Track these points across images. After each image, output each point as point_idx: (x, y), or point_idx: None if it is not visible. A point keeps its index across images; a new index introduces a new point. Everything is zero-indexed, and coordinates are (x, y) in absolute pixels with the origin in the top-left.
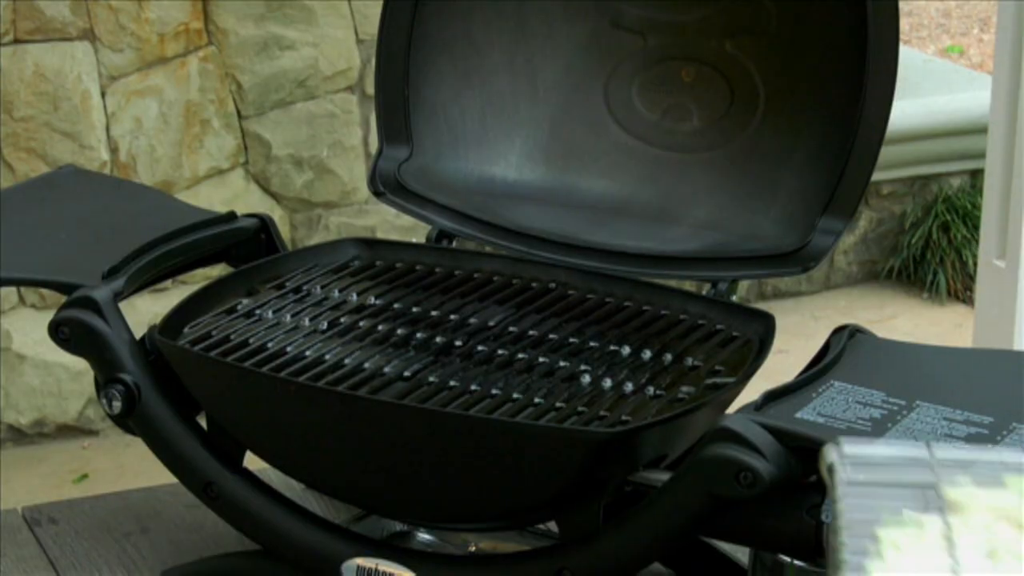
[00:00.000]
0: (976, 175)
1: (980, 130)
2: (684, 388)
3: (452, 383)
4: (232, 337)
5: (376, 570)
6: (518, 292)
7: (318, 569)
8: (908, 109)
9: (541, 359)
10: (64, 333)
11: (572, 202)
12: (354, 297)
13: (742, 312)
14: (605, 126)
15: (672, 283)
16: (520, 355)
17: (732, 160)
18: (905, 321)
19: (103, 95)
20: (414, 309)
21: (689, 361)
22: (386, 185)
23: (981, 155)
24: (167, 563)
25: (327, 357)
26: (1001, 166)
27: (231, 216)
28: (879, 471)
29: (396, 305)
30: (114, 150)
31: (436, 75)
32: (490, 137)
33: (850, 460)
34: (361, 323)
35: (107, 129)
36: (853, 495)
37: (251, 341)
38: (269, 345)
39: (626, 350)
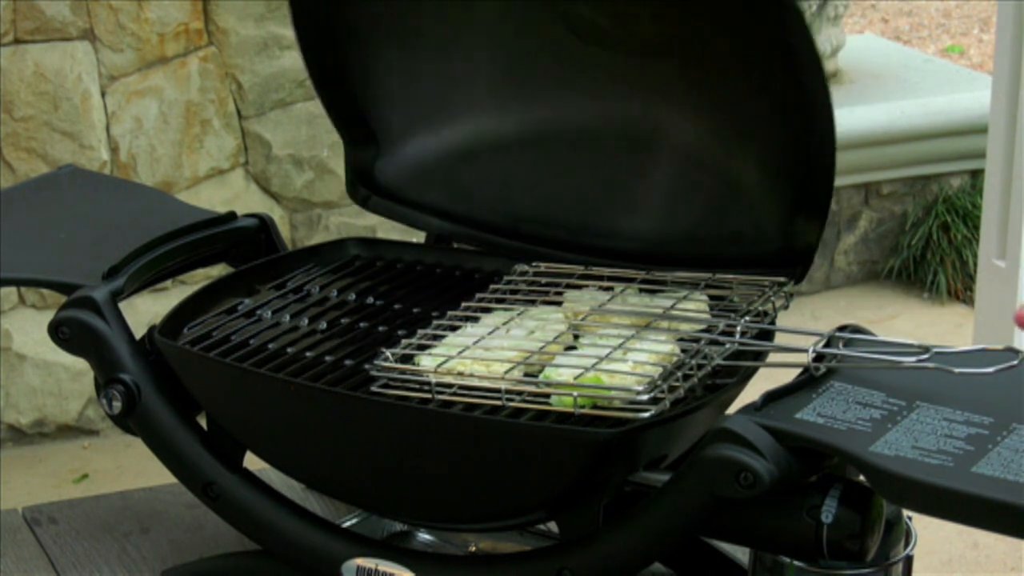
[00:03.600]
0: (976, 175)
1: (980, 130)
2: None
3: None
4: (232, 337)
5: (376, 570)
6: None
7: (318, 569)
8: (908, 109)
9: None
10: (64, 333)
11: (555, 132)
12: (354, 297)
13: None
14: (563, 42)
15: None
16: None
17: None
18: (905, 321)
19: (103, 95)
20: (415, 310)
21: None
22: (369, 187)
23: (981, 155)
24: (167, 563)
25: (327, 357)
26: (1001, 166)
27: (231, 216)
28: None
29: (397, 305)
30: (114, 150)
31: (374, 59)
32: (456, 100)
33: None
34: (361, 323)
35: (107, 129)
36: None
37: (251, 341)
38: (269, 345)
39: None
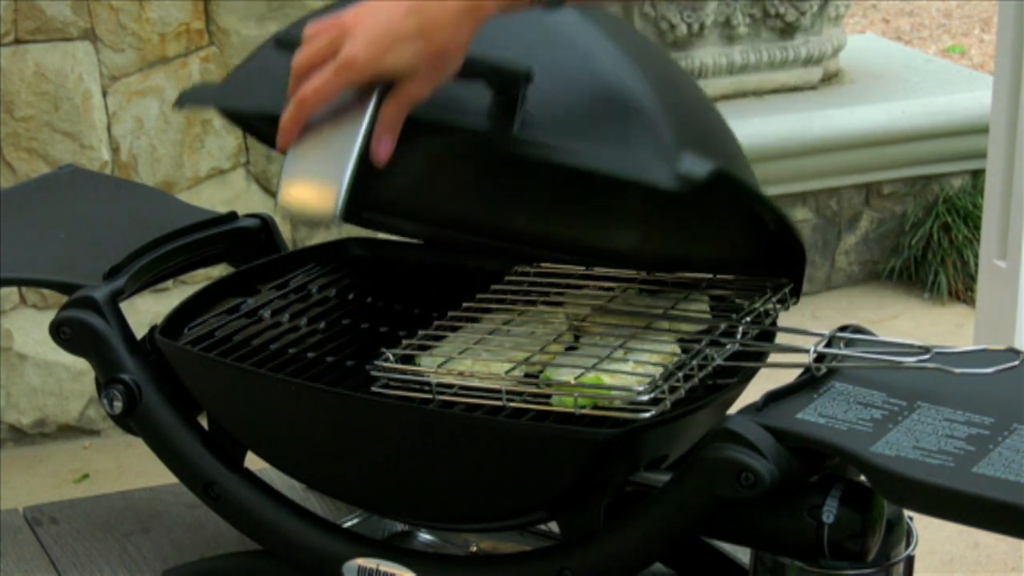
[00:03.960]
0: (977, 175)
1: (981, 130)
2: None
3: None
4: (233, 337)
5: (377, 570)
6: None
7: (319, 569)
8: (909, 109)
9: None
10: (65, 333)
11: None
12: (355, 297)
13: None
14: None
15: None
16: None
17: None
18: (906, 321)
19: (104, 95)
20: (415, 310)
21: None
22: (354, 204)
23: (982, 155)
24: (168, 563)
25: (328, 358)
26: (1002, 166)
27: (232, 216)
28: None
29: (397, 305)
30: (115, 150)
31: None
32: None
33: None
34: (362, 323)
35: (108, 129)
36: None
37: (252, 341)
38: (270, 346)
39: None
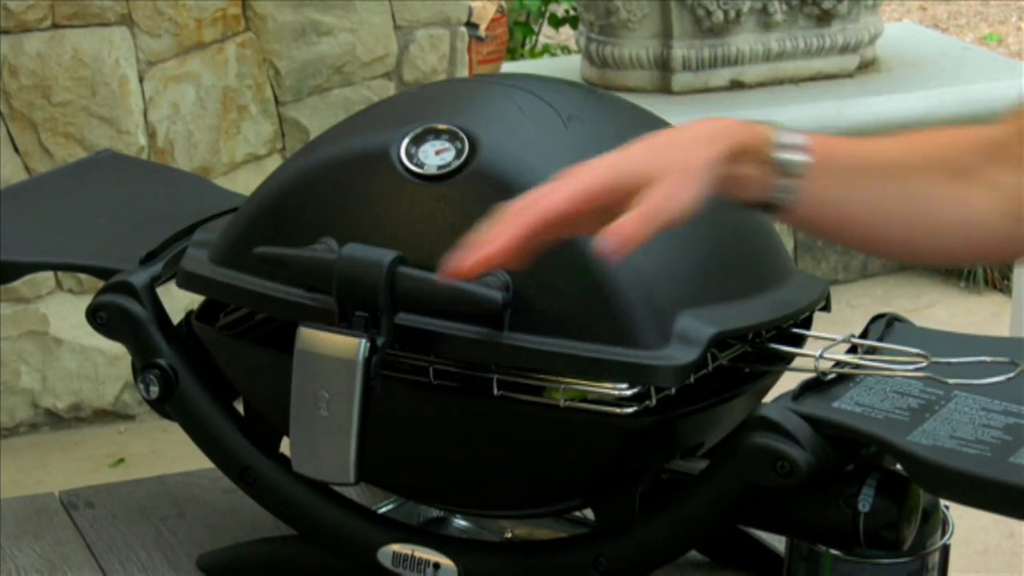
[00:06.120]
0: None
1: None
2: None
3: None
4: (270, 322)
5: (412, 556)
6: None
7: (354, 555)
8: (946, 97)
9: None
10: (101, 318)
11: None
12: None
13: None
14: None
15: None
16: None
17: None
18: (942, 310)
19: (141, 80)
20: None
21: None
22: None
23: None
24: (204, 547)
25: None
26: None
27: None
28: None
29: None
30: (151, 135)
31: None
32: None
33: None
34: None
35: (144, 114)
36: None
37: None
38: None
39: None
